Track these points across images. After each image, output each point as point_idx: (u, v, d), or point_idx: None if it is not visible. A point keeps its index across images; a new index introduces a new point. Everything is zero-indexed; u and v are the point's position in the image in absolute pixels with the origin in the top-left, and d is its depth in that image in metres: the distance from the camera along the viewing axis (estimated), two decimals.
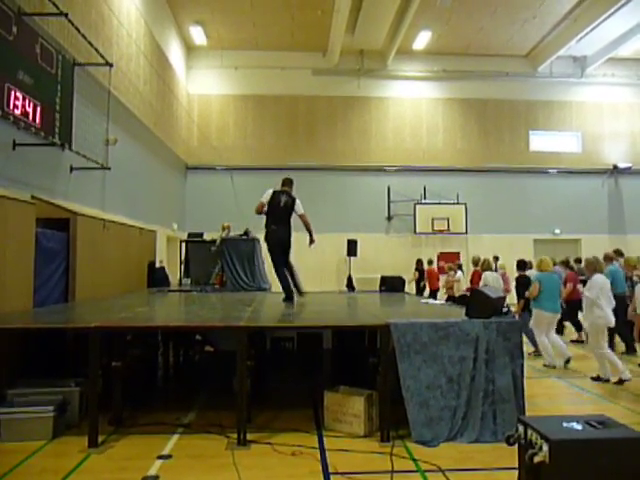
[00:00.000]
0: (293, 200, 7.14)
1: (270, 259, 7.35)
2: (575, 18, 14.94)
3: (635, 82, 18.24)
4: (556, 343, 8.02)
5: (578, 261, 11.43)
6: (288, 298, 7.27)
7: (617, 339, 9.04)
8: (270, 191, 7.15)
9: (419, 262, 14.41)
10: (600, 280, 6.91)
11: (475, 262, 11.13)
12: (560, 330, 10.18)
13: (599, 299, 6.74)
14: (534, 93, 18.15)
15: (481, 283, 9.72)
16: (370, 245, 16.92)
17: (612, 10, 13.56)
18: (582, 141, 18.27)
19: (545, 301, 7.82)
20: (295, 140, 17.53)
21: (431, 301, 8.68)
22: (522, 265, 9.40)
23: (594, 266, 7.14)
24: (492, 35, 16.45)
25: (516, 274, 9.42)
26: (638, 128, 18.42)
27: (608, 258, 8.56)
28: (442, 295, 12.69)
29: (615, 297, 7.22)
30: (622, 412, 5.48)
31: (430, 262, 14.48)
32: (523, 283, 8.76)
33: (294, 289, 7.43)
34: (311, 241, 7.31)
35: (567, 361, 7.89)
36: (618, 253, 9.46)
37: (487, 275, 9.82)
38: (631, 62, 18.05)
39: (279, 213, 7.05)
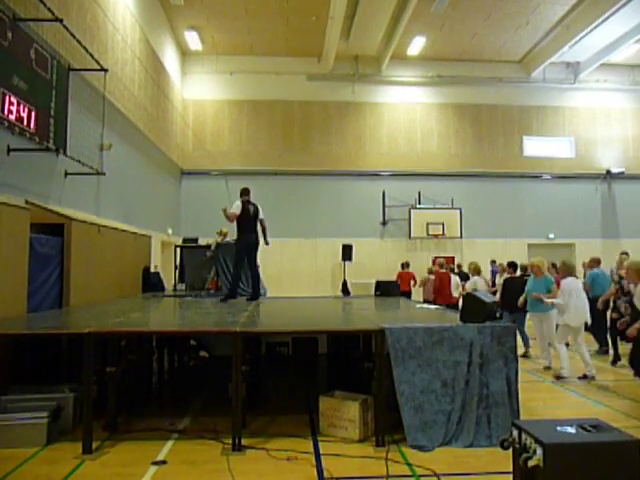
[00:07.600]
0: (256, 207, 8.10)
1: (235, 260, 8.21)
2: (568, 25, 15.07)
3: (627, 87, 18.40)
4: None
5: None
6: (229, 297, 8.09)
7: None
8: (239, 203, 7.94)
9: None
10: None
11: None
12: None
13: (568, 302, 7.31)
14: (528, 98, 18.27)
15: (468, 286, 10.03)
16: (365, 250, 16.94)
17: (604, 17, 13.70)
18: (575, 146, 18.40)
19: None
20: (290, 145, 17.55)
21: (426, 306, 8.71)
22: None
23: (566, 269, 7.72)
24: (486, 41, 16.57)
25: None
26: (630, 133, 18.58)
27: (594, 262, 9.53)
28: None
29: (593, 299, 8.12)
30: (615, 416, 5.50)
31: (406, 265, 14.35)
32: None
33: (250, 292, 8.40)
34: (266, 243, 8.27)
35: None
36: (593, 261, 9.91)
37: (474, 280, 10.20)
38: (623, 68, 18.21)
39: (250, 221, 8.02)
